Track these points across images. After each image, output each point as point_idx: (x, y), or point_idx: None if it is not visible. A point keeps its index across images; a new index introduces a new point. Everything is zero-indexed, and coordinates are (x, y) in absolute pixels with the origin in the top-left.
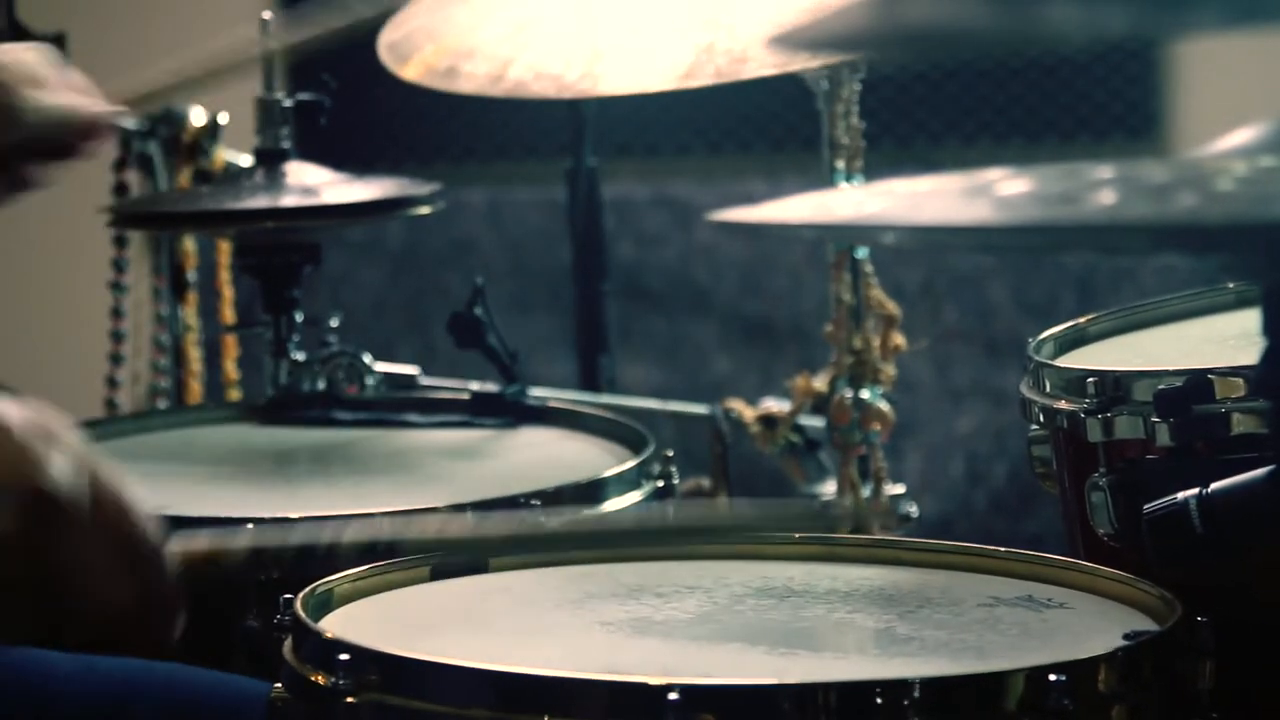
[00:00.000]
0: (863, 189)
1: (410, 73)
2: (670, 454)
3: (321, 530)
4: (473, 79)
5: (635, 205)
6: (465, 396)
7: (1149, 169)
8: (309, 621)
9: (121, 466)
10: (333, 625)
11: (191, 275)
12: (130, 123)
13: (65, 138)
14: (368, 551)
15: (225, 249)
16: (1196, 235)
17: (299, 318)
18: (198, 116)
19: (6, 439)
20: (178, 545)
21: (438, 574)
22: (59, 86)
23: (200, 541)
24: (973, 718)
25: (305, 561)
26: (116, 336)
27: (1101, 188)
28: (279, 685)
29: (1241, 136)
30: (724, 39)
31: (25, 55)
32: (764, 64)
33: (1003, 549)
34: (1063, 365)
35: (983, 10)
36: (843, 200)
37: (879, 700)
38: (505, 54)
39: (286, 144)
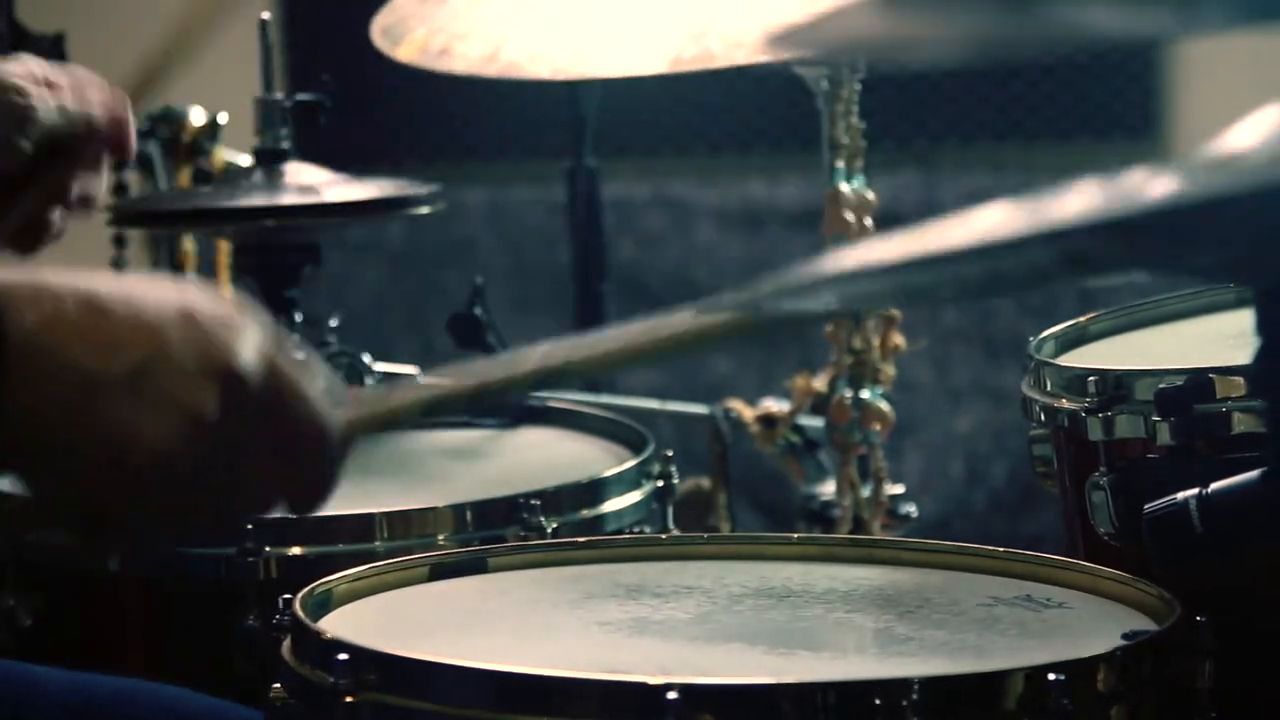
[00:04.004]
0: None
1: (404, 55)
2: (670, 454)
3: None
4: (466, 59)
5: (635, 205)
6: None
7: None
8: (308, 621)
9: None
10: (331, 625)
11: (191, 275)
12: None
13: (84, 137)
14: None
15: (225, 249)
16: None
17: (299, 317)
18: (197, 116)
19: (200, 324)
20: (350, 411)
21: (437, 574)
22: (65, 87)
23: (371, 403)
24: (972, 717)
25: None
26: None
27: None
28: (277, 685)
29: (1238, 135)
30: (719, 23)
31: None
32: (758, 49)
33: (1001, 549)
34: (1063, 364)
35: (983, 10)
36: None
37: (878, 700)
38: (499, 37)
39: (286, 144)
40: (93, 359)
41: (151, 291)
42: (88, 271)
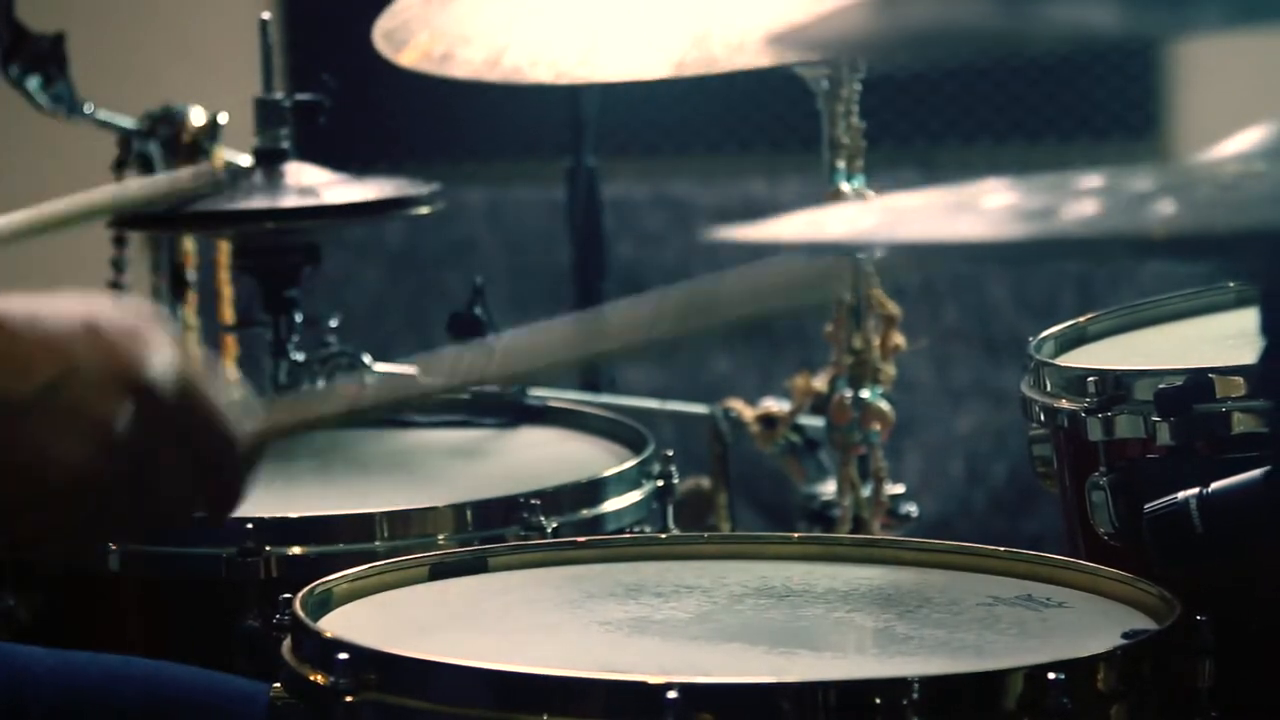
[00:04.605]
0: (857, 204)
1: (406, 59)
2: (670, 454)
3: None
4: (469, 64)
5: (635, 205)
6: (465, 396)
7: (1136, 178)
8: (308, 621)
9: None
10: (331, 625)
11: (191, 275)
12: (129, 122)
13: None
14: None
15: (225, 248)
16: (1176, 246)
17: (298, 318)
18: (197, 116)
19: (107, 338)
20: (261, 420)
21: (437, 574)
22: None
23: (283, 411)
24: (972, 717)
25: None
26: None
27: (1084, 198)
28: (278, 685)
29: (1244, 140)
30: (721, 27)
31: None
32: (760, 53)
33: (1002, 549)
34: (1063, 364)
35: (983, 10)
36: (836, 217)
37: (878, 699)
38: (501, 42)
39: (286, 144)
40: (2, 381)
41: (57, 308)
42: None
